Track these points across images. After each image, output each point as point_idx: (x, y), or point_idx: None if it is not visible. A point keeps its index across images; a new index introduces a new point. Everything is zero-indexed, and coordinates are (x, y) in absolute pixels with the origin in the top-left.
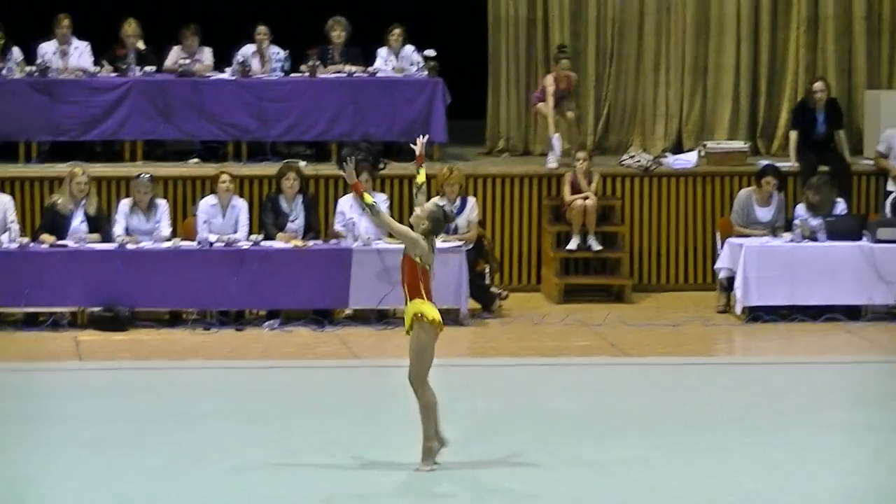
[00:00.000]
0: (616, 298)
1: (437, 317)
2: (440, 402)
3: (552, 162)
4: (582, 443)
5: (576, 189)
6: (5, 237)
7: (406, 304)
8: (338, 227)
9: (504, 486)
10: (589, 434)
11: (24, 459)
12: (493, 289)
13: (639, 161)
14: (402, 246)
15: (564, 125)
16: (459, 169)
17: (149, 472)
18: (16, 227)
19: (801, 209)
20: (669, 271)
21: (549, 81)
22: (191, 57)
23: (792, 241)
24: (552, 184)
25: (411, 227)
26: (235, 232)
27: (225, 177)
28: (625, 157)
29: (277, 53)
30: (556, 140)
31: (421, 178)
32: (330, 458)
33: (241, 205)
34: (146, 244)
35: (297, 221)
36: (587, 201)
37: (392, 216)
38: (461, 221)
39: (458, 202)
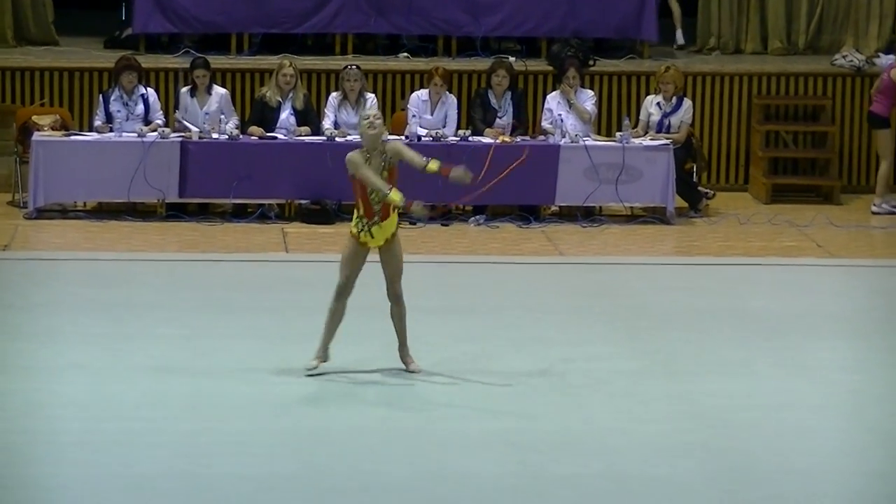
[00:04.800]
0: (824, 199)
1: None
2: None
3: None
4: (786, 344)
5: None
6: (230, 125)
7: (385, 219)
8: (545, 123)
9: (706, 388)
10: (793, 336)
11: (239, 348)
12: (700, 188)
13: (851, 61)
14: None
15: None
16: (677, 68)
17: (353, 362)
18: (235, 119)
19: None
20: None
21: None
22: None
23: None
24: (762, 82)
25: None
26: (444, 127)
27: (437, 78)
28: (837, 56)
29: None
30: None
31: (431, 167)
32: (525, 356)
33: (451, 100)
34: (355, 138)
35: (505, 117)
36: None
37: (600, 112)
38: (674, 120)
39: (673, 101)
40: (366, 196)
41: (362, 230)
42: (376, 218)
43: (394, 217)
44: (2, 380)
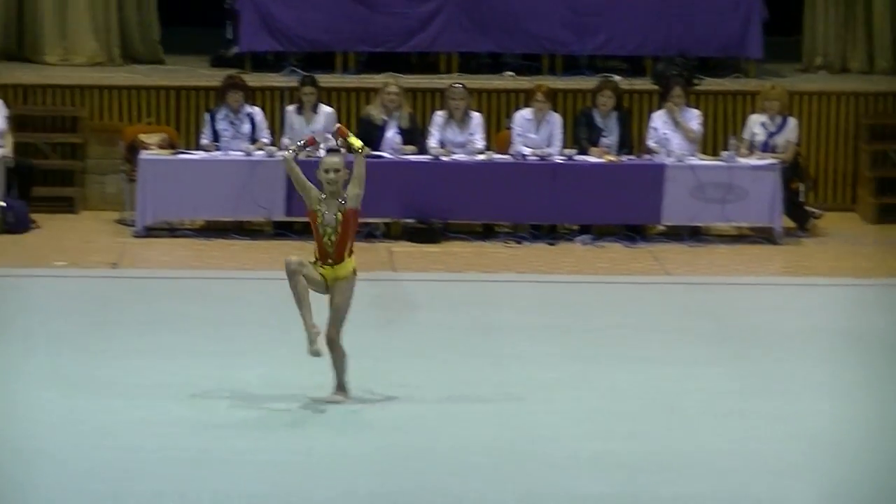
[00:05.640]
0: None
1: None
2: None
3: None
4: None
5: None
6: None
7: (340, 260)
8: (651, 142)
9: (813, 408)
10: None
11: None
12: (807, 207)
13: None
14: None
15: None
16: (783, 86)
17: (455, 383)
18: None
19: None
20: None
21: None
22: None
23: None
24: (869, 102)
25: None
26: (549, 146)
27: (540, 95)
28: None
29: None
30: None
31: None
32: (631, 376)
33: (555, 119)
34: (460, 156)
35: (610, 136)
36: None
37: (705, 131)
38: (779, 140)
39: (778, 120)
40: (319, 239)
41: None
42: (330, 261)
43: (349, 263)
44: (110, 397)
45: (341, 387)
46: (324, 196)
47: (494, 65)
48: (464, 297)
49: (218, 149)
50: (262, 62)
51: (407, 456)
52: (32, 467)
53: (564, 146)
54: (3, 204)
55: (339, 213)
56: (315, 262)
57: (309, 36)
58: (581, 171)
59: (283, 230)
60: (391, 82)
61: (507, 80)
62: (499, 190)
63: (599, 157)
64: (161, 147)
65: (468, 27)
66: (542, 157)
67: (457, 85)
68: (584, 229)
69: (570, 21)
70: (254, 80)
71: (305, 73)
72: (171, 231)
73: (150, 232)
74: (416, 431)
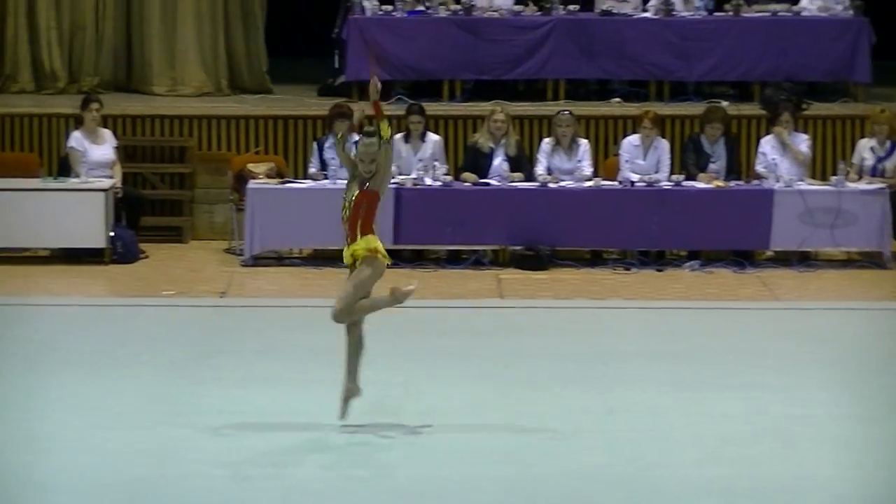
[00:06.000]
0: None
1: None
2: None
3: None
4: None
5: None
6: (440, 172)
7: (354, 239)
8: (759, 167)
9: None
10: None
11: (458, 394)
12: None
13: None
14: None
15: None
16: (892, 110)
17: (564, 410)
18: (442, 166)
19: None
20: None
21: None
22: None
23: None
24: None
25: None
26: (657, 172)
27: (647, 121)
28: None
29: None
30: None
31: (385, 132)
32: (741, 402)
33: (663, 145)
34: (567, 183)
35: (718, 162)
36: None
37: (813, 156)
38: (889, 164)
39: (887, 145)
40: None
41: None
42: (348, 239)
43: (361, 242)
44: (219, 426)
45: (351, 374)
46: (356, 165)
47: (602, 91)
48: (572, 324)
49: (326, 177)
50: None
51: (517, 484)
52: (147, 498)
53: (672, 172)
54: (112, 234)
55: (358, 191)
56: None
57: (416, 64)
58: (689, 196)
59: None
60: (498, 110)
61: (615, 107)
62: (607, 216)
63: (707, 182)
64: (269, 176)
65: (575, 54)
66: (650, 184)
67: (564, 112)
68: (693, 255)
69: (677, 47)
70: (360, 108)
71: (413, 102)
72: (279, 260)
73: (258, 261)
74: (525, 459)
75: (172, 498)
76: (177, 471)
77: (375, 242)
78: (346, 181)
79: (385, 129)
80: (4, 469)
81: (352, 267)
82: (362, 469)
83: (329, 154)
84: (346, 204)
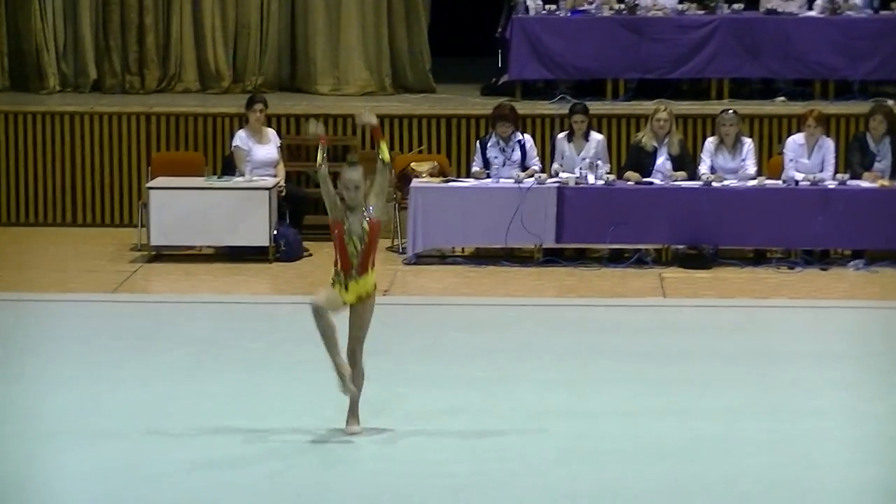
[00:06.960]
0: None
1: None
2: None
3: None
4: None
5: None
6: (602, 171)
7: (364, 272)
8: None
9: None
10: None
11: (617, 392)
12: None
13: None
14: None
15: None
16: None
17: (726, 410)
18: (605, 165)
19: None
20: None
21: None
22: None
23: None
24: None
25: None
26: (822, 171)
27: (812, 120)
28: None
29: None
30: None
31: (384, 154)
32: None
33: (828, 144)
34: (731, 182)
35: (883, 161)
36: None
37: None
38: None
39: None
40: (343, 249)
41: (336, 283)
42: (353, 272)
43: (371, 276)
44: (388, 423)
45: (353, 411)
46: (346, 208)
47: (766, 90)
48: (735, 323)
49: (488, 176)
50: (532, 90)
51: (678, 485)
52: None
53: (837, 171)
54: (276, 232)
55: (366, 223)
56: (336, 278)
57: (579, 63)
58: (854, 196)
59: (552, 257)
60: (661, 109)
61: (779, 106)
62: (771, 215)
63: (872, 181)
64: (432, 175)
65: (739, 53)
66: (815, 183)
67: (728, 111)
68: (857, 254)
69: (842, 46)
70: (524, 107)
71: (576, 101)
72: (442, 258)
73: (421, 259)
74: (687, 459)
75: (347, 498)
76: (345, 473)
77: (374, 276)
78: (510, 181)
79: (385, 150)
80: (171, 457)
81: (350, 302)
82: (514, 463)
83: (492, 153)
84: (356, 237)
